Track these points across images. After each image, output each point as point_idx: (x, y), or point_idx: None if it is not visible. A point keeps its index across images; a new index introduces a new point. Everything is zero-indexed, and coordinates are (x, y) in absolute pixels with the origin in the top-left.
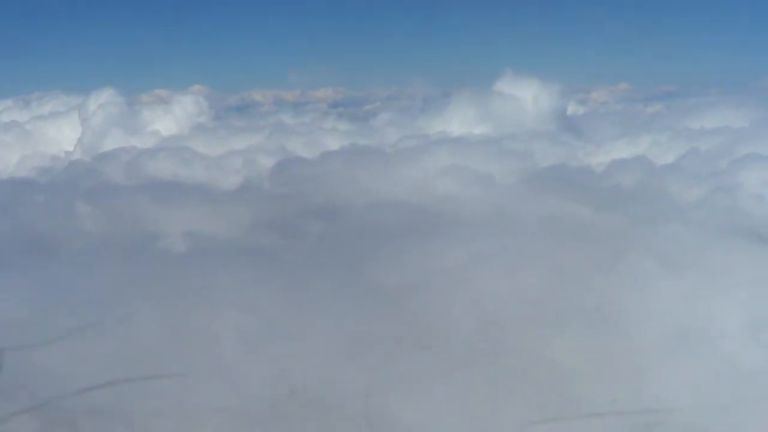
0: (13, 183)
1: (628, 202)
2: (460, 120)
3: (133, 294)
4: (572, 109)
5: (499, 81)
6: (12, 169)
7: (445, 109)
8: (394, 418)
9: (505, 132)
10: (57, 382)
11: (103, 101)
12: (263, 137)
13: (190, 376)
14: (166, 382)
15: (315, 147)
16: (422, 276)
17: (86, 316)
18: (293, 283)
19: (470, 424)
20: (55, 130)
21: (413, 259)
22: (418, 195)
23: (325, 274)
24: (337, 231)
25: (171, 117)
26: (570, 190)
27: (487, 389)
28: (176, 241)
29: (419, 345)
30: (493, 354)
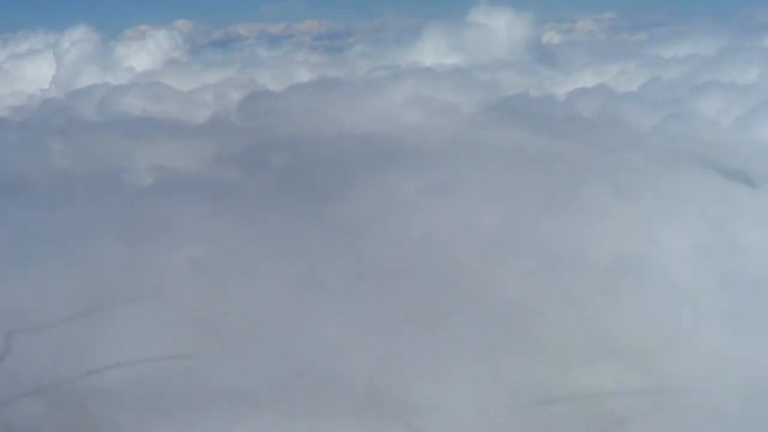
0: None
1: (585, 130)
2: (432, 51)
3: (96, 227)
4: (550, 38)
5: (473, 11)
6: None
7: (418, 41)
8: (336, 344)
9: (477, 62)
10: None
11: (77, 39)
12: (235, 71)
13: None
14: (119, 309)
15: (285, 80)
16: (379, 206)
17: (52, 247)
18: (252, 216)
19: (405, 349)
20: (33, 69)
21: (371, 190)
22: (382, 126)
23: (284, 206)
24: (300, 163)
25: (145, 53)
26: (530, 119)
27: (428, 318)
28: (142, 175)
29: (368, 273)
30: (440, 283)
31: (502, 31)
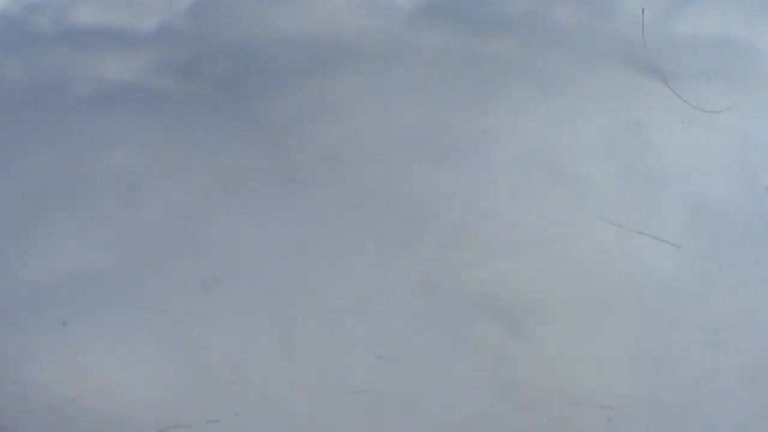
0: None
1: (514, 29)
2: None
3: (27, 138)
4: None
5: None
6: None
7: None
8: (240, 241)
9: None
10: None
11: None
12: None
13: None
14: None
15: None
16: (303, 110)
17: None
18: (180, 122)
19: (301, 238)
20: None
21: (299, 95)
22: (323, 30)
23: (214, 111)
24: (237, 70)
25: None
26: (463, 18)
27: (330, 215)
28: (81, 87)
29: (283, 176)
30: (342, 184)
31: None
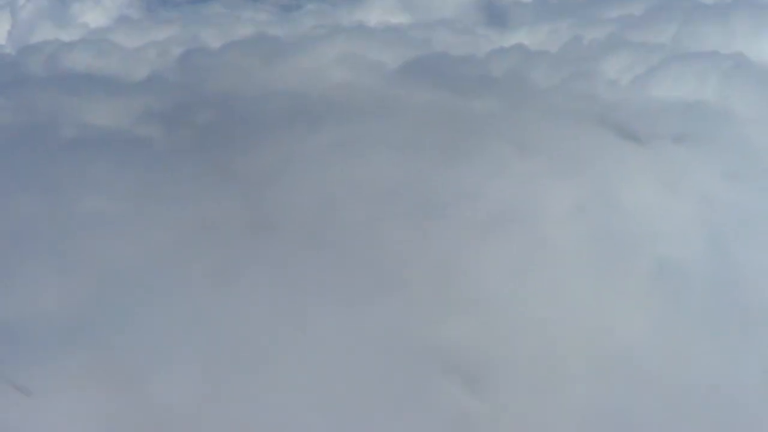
0: None
1: (493, 88)
2: (380, 9)
3: (8, 177)
4: None
5: None
6: None
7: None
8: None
9: (423, 21)
10: None
11: None
12: (182, 28)
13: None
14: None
15: (228, 37)
16: (285, 161)
17: None
18: (162, 170)
19: (272, 296)
20: None
21: (282, 147)
22: (308, 83)
23: (197, 161)
24: (222, 120)
25: (100, 9)
26: (444, 77)
27: (301, 269)
28: (68, 130)
29: (256, 227)
30: (321, 235)
31: None
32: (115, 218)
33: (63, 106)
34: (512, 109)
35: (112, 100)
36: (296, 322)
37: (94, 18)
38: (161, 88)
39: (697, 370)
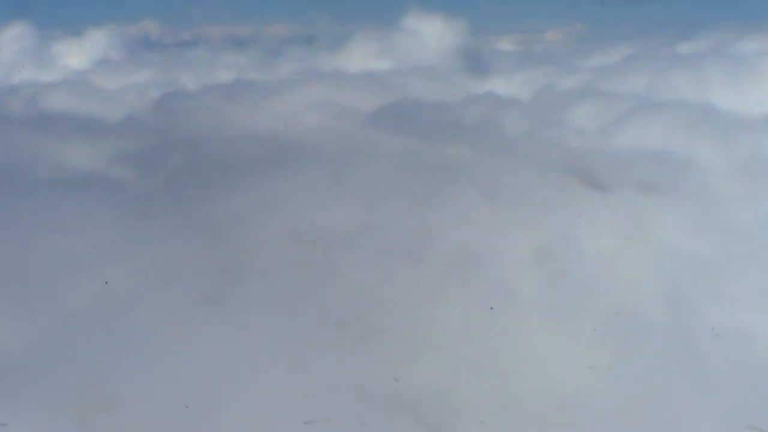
0: None
1: (462, 135)
2: (361, 55)
3: None
4: (502, 46)
5: (405, 18)
6: None
7: (352, 45)
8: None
9: (403, 67)
10: None
11: (15, 35)
12: (162, 71)
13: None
14: None
15: (207, 81)
16: (254, 206)
17: None
18: (133, 213)
19: (236, 344)
20: None
21: (251, 191)
22: (281, 128)
23: (167, 205)
24: (194, 163)
25: (82, 51)
26: (415, 123)
27: (264, 312)
28: (46, 171)
29: (228, 270)
30: (291, 279)
31: (432, 37)
32: (82, 258)
33: (39, 147)
34: (481, 156)
35: (88, 142)
36: (257, 367)
37: (75, 59)
38: (137, 131)
39: (649, 419)
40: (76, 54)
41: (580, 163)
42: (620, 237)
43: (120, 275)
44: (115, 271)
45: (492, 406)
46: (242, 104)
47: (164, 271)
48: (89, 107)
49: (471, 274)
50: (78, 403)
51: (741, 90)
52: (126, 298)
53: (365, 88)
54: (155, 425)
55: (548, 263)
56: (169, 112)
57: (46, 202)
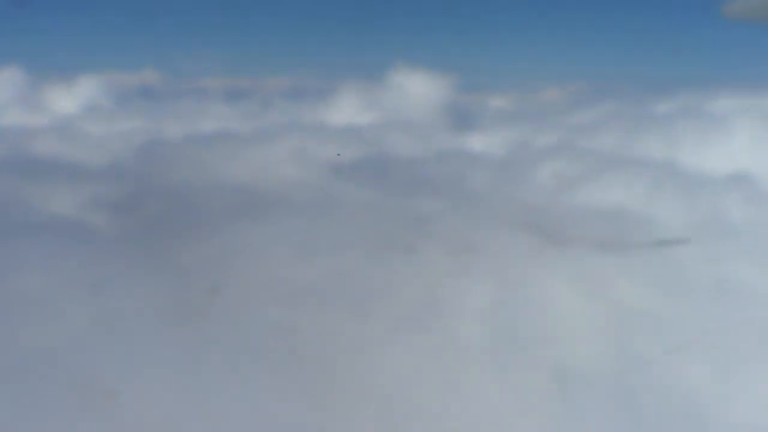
0: None
1: (424, 189)
2: (346, 109)
3: None
4: (496, 104)
5: (392, 73)
6: None
7: (335, 98)
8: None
9: (387, 121)
10: None
11: (5, 80)
12: (149, 119)
13: None
14: None
15: (190, 130)
16: (223, 256)
17: None
18: (102, 258)
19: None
20: None
21: (222, 240)
22: (259, 178)
23: (136, 251)
24: (168, 212)
25: (71, 96)
26: (390, 177)
27: (222, 358)
28: (21, 215)
29: (185, 316)
30: (248, 328)
31: (417, 93)
32: (45, 302)
33: (19, 191)
34: (445, 210)
35: (69, 187)
36: (209, 415)
37: (65, 105)
38: (117, 177)
39: None
40: (66, 99)
41: (541, 219)
42: (573, 293)
43: (80, 317)
44: (77, 313)
45: None
46: (221, 154)
47: (125, 315)
48: (74, 152)
49: (422, 326)
50: None
51: (707, 149)
52: (85, 341)
53: (343, 141)
54: None
55: (498, 318)
56: (150, 160)
57: (15, 246)
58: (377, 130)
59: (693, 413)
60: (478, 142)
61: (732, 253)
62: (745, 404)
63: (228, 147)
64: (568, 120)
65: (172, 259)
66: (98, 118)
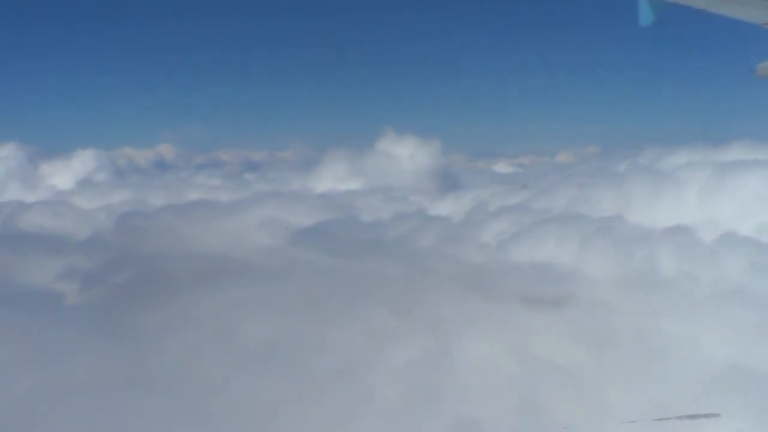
0: None
1: (382, 251)
2: (332, 177)
3: None
4: (500, 168)
5: (380, 140)
6: None
7: (321, 166)
8: None
9: (372, 187)
10: None
11: (3, 155)
12: (137, 192)
13: None
14: None
15: (171, 201)
16: (179, 321)
17: None
18: (64, 326)
19: None
20: None
21: (180, 307)
22: (229, 245)
23: (97, 317)
24: (136, 280)
25: (68, 172)
26: (344, 240)
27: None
28: None
29: (132, 381)
30: (189, 386)
31: (405, 159)
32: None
33: (4, 264)
34: (390, 270)
35: (47, 258)
36: None
37: (61, 180)
38: (95, 247)
39: None
40: (62, 175)
41: (476, 277)
42: (495, 348)
43: (30, 381)
44: (27, 377)
45: None
46: (196, 223)
47: (74, 379)
48: (61, 226)
49: (343, 381)
50: None
51: (653, 203)
52: (33, 406)
53: (318, 207)
54: None
55: (417, 372)
56: (129, 230)
57: None
58: (354, 195)
59: None
60: (448, 205)
61: (657, 305)
62: None
63: (203, 216)
64: (541, 181)
65: (131, 325)
66: (90, 193)
